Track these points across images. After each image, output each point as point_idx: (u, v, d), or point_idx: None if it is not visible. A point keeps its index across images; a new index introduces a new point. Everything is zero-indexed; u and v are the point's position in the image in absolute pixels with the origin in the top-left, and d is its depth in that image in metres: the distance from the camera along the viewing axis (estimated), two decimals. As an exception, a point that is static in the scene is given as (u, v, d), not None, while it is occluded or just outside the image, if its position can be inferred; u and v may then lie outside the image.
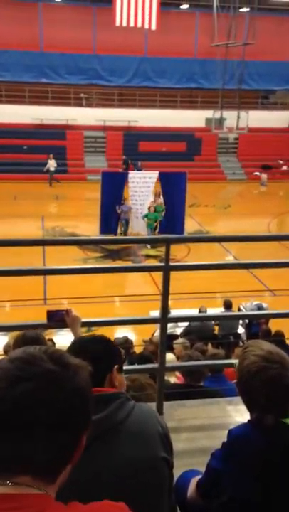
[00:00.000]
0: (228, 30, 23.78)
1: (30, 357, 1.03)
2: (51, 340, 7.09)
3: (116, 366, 1.67)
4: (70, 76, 26.57)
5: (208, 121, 25.92)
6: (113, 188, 15.36)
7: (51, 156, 22.88)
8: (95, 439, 1.45)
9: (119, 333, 8.14)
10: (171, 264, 2.99)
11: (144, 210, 15.89)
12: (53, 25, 25.43)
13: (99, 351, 1.67)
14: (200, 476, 1.92)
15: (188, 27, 26.94)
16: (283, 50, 27.99)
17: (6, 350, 5.37)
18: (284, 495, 1.64)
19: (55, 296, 9.66)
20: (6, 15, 24.81)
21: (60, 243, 4.81)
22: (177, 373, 5.12)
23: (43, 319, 2.79)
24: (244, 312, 8.79)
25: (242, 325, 9.27)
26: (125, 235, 15.71)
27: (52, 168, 22.86)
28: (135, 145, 26.15)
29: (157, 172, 16.18)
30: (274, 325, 8.00)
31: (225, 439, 1.77)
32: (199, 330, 8.41)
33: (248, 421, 1.78)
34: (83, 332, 2.73)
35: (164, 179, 15.88)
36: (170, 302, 3.12)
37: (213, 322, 8.85)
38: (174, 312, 6.88)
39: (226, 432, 1.78)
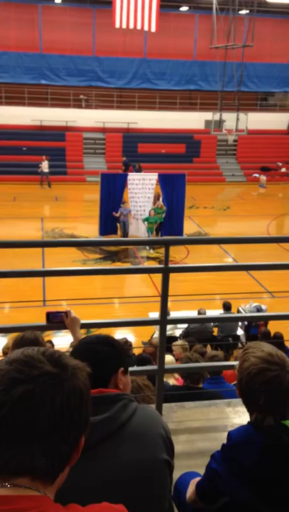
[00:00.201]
0: (227, 32, 23.82)
1: (28, 359, 1.02)
2: (50, 342, 7.08)
3: (121, 369, 1.66)
4: (69, 78, 26.59)
5: (208, 123, 25.96)
6: (112, 190, 15.38)
7: (44, 157, 22.86)
8: (97, 441, 1.45)
9: (119, 334, 8.13)
10: (171, 265, 2.99)
11: (143, 212, 15.88)
12: (52, 26, 25.47)
13: (104, 352, 1.65)
14: (199, 478, 1.92)
15: (188, 29, 26.99)
16: (282, 52, 28.07)
17: (5, 352, 5.37)
18: (283, 497, 1.64)
19: (54, 297, 9.67)
20: (5, 16, 24.85)
21: (60, 245, 4.81)
22: (176, 375, 5.12)
23: (42, 321, 2.79)
24: (243, 314, 8.79)
25: (241, 327, 9.27)
26: (124, 237, 15.70)
27: (45, 170, 22.83)
28: (134, 147, 26.16)
29: (156, 174, 16.20)
30: (273, 327, 8.01)
31: (224, 441, 1.76)
32: (198, 332, 8.41)
33: (248, 422, 1.78)
34: (82, 334, 2.73)
35: (164, 181, 15.89)
36: (169, 304, 3.12)
37: (212, 324, 8.85)
38: (173, 314, 6.90)
39: (225, 433, 1.78)
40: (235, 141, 26.48)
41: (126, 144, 26.24)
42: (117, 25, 22.77)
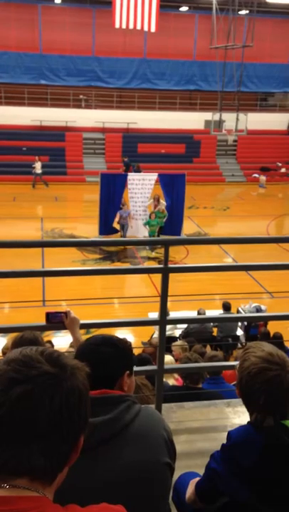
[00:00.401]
0: (227, 32, 23.83)
1: (26, 359, 1.02)
2: (50, 342, 7.07)
3: (127, 372, 1.66)
4: (69, 78, 26.59)
5: (207, 123, 25.95)
6: (112, 190, 15.37)
7: (37, 158, 22.84)
8: (101, 441, 1.45)
9: (118, 335, 8.09)
10: (170, 266, 2.98)
11: (142, 212, 15.87)
12: (52, 27, 25.47)
13: (111, 355, 1.64)
14: (198, 478, 1.92)
15: (188, 29, 27.00)
16: (282, 52, 28.09)
17: (4, 352, 5.37)
18: (283, 497, 1.64)
19: (53, 297, 9.66)
20: (5, 17, 24.85)
21: (60, 245, 4.81)
22: (176, 375, 5.12)
23: (41, 321, 2.78)
24: (243, 314, 8.78)
25: (241, 327, 9.27)
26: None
27: (38, 171, 22.81)
28: (134, 147, 26.16)
29: (156, 174, 16.20)
30: (272, 327, 8.01)
31: (223, 441, 1.76)
32: (198, 332, 8.41)
33: (248, 422, 1.77)
34: (82, 334, 2.73)
35: (164, 180, 15.91)
36: (169, 304, 3.12)
37: (211, 324, 8.85)
38: (172, 314, 6.90)
39: (225, 433, 1.78)
40: (235, 141, 26.49)
41: (126, 144, 26.24)
42: (117, 26, 22.77)
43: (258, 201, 23.41)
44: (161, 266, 2.98)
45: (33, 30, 25.70)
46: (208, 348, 7.72)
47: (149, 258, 14.44)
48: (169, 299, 3.02)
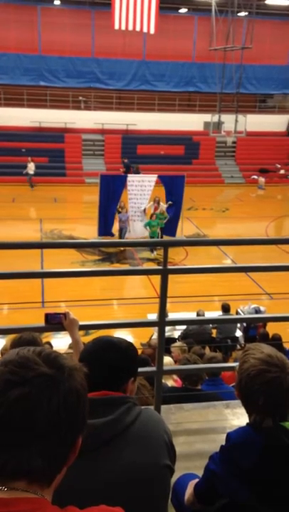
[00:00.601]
0: (226, 34, 23.87)
1: (23, 360, 1.01)
2: (49, 343, 7.07)
3: (132, 379, 1.66)
4: (68, 79, 26.61)
5: (207, 124, 25.98)
6: (112, 191, 15.38)
7: (30, 159, 22.84)
8: (102, 442, 1.45)
9: (117, 336, 8.12)
10: (169, 267, 2.98)
11: (140, 214, 15.86)
12: (51, 28, 25.49)
13: (117, 360, 1.64)
14: (197, 480, 1.92)
15: (187, 31, 27.04)
16: (281, 54, 28.14)
17: (3, 353, 5.37)
18: (283, 498, 1.63)
19: (53, 298, 9.65)
20: (5, 18, 24.87)
21: (59, 246, 4.80)
22: (175, 376, 5.12)
23: (41, 322, 2.78)
24: (242, 315, 8.78)
25: (240, 328, 9.26)
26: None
27: (31, 172, 22.80)
28: (134, 148, 26.18)
29: (156, 175, 16.21)
30: (271, 328, 8.00)
31: (222, 443, 1.76)
32: (197, 333, 8.41)
33: (247, 424, 1.77)
34: (81, 335, 2.73)
35: (164, 182, 15.94)
36: (168, 305, 3.12)
37: (211, 325, 8.84)
38: (171, 315, 6.89)
39: (223, 435, 1.77)
40: (234, 142, 26.54)
41: (125, 145, 26.25)
42: (116, 27, 22.81)
43: (257, 203, 23.42)
44: (160, 267, 2.98)
45: (33, 32, 25.72)
46: (207, 350, 7.72)
47: (148, 259, 14.44)
48: (168, 300, 3.02)
